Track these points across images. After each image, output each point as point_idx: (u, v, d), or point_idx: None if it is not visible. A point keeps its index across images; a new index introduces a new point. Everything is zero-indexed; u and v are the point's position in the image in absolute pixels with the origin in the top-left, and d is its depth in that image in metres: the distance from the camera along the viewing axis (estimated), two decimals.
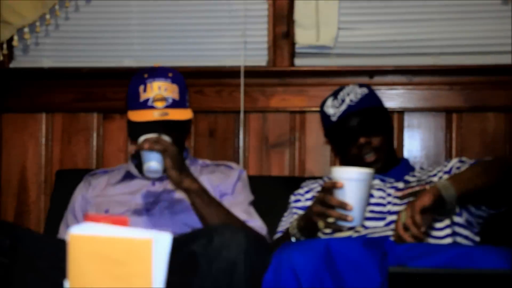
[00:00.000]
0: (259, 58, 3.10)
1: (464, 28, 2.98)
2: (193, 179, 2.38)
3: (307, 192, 2.56)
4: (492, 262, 1.81)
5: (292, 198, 2.59)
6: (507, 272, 1.42)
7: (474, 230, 2.38)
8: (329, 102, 2.52)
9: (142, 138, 2.32)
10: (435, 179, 2.41)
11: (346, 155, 2.51)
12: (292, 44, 3.07)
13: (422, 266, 1.80)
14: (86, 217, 1.38)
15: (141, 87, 2.55)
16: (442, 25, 3.00)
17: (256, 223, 2.50)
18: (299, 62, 3.07)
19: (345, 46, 3.05)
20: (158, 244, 1.31)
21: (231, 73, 3.06)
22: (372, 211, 2.37)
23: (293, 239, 2.23)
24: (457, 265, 1.80)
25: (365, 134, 2.45)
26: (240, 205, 2.52)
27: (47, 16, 3.16)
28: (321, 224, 2.10)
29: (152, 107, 2.51)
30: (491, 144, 2.92)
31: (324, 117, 2.55)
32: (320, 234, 2.32)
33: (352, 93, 2.49)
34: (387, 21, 3.04)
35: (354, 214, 2.02)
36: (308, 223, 2.18)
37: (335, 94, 2.52)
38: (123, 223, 1.37)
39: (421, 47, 3.01)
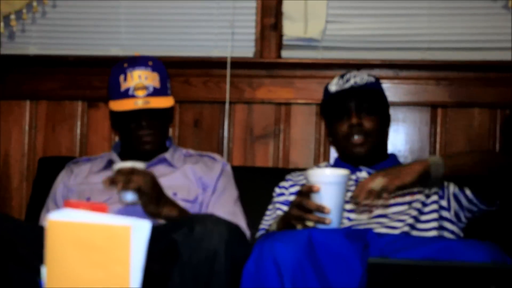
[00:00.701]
0: (247, 49, 3.09)
1: (452, 24, 2.98)
2: (171, 206, 2.34)
3: (291, 186, 2.56)
4: (473, 255, 1.82)
5: (277, 190, 2.58)
6: (485, 265, 1.43)
7: (461, 225, 2.38)
8: (335, 80, 2.53)
9: (115, 168, 2.23)
10: None
11: (336, 134, 2.50)
12: (280, 36, 3.06)
13: (402, 258, 1.81)
14: (66, 203, 1.37)
15: (122, 77, 2.55)
16: (430, 20, 2.99)
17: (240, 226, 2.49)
18: (287, 54, 3.06)
19: (332, 39, 3.04)
20: (137, 231, 1.30)
21: (218, 63, 3.05)
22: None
23: None
24: (438, 258, 1.81)
25: (359, 114, 2.45)
26: (224, 207, 2.51)
27: (34, 4, 3.14)
28: (299, 227, 2.10)
29: (133, 96, 2.52)
30: (476, 140, 2.92)
31: (325, 93, 2.56)
32: None
33: (359, 77, 2.50)
34: (375, 15, 3.04)
35: (332, 217, 2.02)
36: (287, 226, 2.16)
37: (342, 75, 2.53)
38: (102, 209, 1.36)
39: (409, 41, 3.01)
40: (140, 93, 2.52)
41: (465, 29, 2.98)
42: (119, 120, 2.58)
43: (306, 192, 2.05)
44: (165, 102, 2.56)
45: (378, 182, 1.99)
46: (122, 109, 2.53)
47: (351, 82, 2.49)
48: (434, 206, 2.35)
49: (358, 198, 2.01)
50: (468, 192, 2.31)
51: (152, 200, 2.25)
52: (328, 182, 2.02)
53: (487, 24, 2.96)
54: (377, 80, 2.57)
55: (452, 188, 2.34)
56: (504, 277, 1.41)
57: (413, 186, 2.05)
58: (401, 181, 2.01)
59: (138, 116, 2.53)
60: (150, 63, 2.58)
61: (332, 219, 2.02)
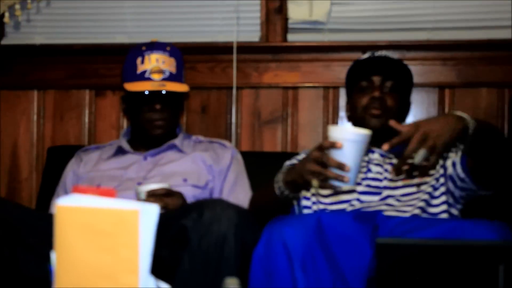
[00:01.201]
0: (252, 33, 3.08)
1: (458, 3, 2.96)
2: None
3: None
4: (483, 235, 1.81)
5: (287, 163, 2.54)
6: (494, 244, 1.42)
7: (458, 206, 2.37)
8: (365, 56, 2.54)
9: (144, 189, 2.26)
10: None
11: (356, 105, 2.47)
12: (285, 19, 3.05)
13: (411, 238, 1.81)
14: (74, 189, 1.38)
15: (139, 59, 2.57)
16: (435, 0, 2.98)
17: None
18: (292, 37, 3.05)
19: (338, 22, 3.03)
20: (145, 216, 1.30)
21: (224, 49, 3.04)
22: (368, 186, 2.36)
23: (277, 191, 2.16)
24: (448, 238, 1.80)
25: (382, 88, 2.43)
26: (237, 199, 2.49)
27: None
28: (315, 183, 2.01)
29: (149, 79, 2.53)
30: (484, 120, 2.90)
31: (353, 65, 2.55)
32: (306, 193, 2.32)
33: (390, 54, 2.52)
34: None
35: (350, 175, 1.94)
36: (298, 179, 2.07)
37: (372, 52, 2.54)
38: (110, 194, 1.36)
39: (415, 22, 3.00)
40: (157, 76, 2.53)
41: (471, 8, 2.96)
42: (132, 103, 2.59)
43: (327, 147, 1.95)
44: (180, 87, 2.57)
45: (420, 156, 1.92)
46: (138, 90, 2.54)
47: (383, 54, 2.50)
48: (443, 189, 2.34)
49: (399, 174, 1.99)
50: (459, 171, 2.29)
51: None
52: (351, 140, 1.93)
53: (492, 3, 2.94)
54: (406, 66, 2.56)
55: (450, 169, 2.34)
56: None
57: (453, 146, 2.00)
58: (443, 141, 1.91)
59: (153, 99, 2.54)
60: (168, 48, 2.61)
61: (350, 178, 1.94)
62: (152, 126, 2.56)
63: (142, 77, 2.54)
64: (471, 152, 2.14)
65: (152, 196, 2.24)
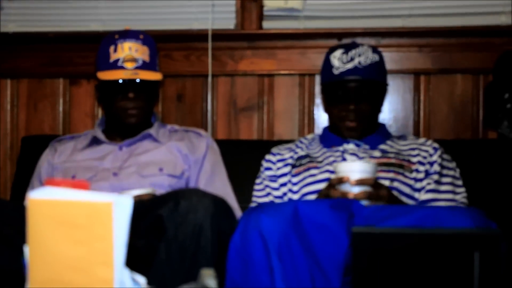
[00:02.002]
0: (227, 21, 3.06)
1: None
2: None
3: (279, 160, 2.55)
4: (458, 222, 1.82)
5: (264, 164, 2.57)
6: (468, 231, 1.43)
7: None
8: (338, 53, 2.49)
9: (131, 195, 2.22)
10: (415, 159, 2.41)
11: (331, 113, 2.50)
12: (261, 7, 3.04)
13: (387, 226, 1.81)
14: (47, 181, 1.36)
15: (112, 48, 2.54)
16: None
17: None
18: (268, 25, 3.04)
19: (314, 9, 3.02)
20: (119, 207, 1.29)
21: (199, 36, 3.03)
22: (344, 161, 2.38)
23: None
24: (424, 225, 1.81)
25: (357, 102, 2.44)
26: (215, 190, 2.49)
27: None
28: None
29: (122, 68, 2.51)
30: (459, 107, 2.93)
31: (327, 65, 2.52)
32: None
33: (364, 56, 2.46)
34: None
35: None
36: None
37: (346, 48, 2.48)
38: (83, 187, 1.35)
39: (390, 9, 2.99)
40: (129, 65, 2.51)
41: None
42: (106, 92, 2.57)
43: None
44: (153, 75, 2.55)
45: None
46: (110, 79, 2.52)
47: (355, 62, 2.45)
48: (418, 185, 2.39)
49: None
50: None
51: None
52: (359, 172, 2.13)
53: None
54: (381, 58, 2.53)
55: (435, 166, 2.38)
56: (488, 242, 1.41)
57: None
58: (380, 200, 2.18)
59: (126, 87, 2.52)
60: (141, 36, 2.58)
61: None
62: (126, 114, 2.54)
63: (115, 65, 2.52)
64: None
65: None
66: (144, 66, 2.54)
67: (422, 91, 2.95)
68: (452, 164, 2.46)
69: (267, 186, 2.53)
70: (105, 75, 2.54)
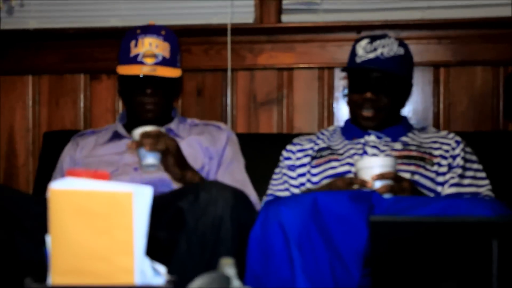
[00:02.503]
0: (246, 15, 3.07)
1: None
2: (194, 171, 2.38)
3: (299, 151, 2.56)
4: (478, 211, 1.83)
5: (284, 154, 2.58)
6: (486, 219, 1.43)
7: None
8: (363, 43, 2.50)
9: (138, 132, 2.24)
10: (436, 152, 2.41)
11: (350, 101, 2.51)
12: (280, 0, 3.04)
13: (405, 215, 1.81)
14: (68, 172, 1.38)
15: (133, 42, 2.56)
16: None
17: (250, 196, 2.50)
18: (286, 18, 3.05)
19: (332, 2, 3.02)
20: (139, 197, 1.31)
21: (218, 30, 3.03)
22: (365, 156, 2.39)
23: None
24: (443, 215, 1.81)
25: (375, 91, 2.44)
26: (232, 176, 2.52)
27: None
28: None
29: (141, 63, 2.53)
30: (479, 98, 2.91)
31: (352, 53, 2.53)
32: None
33: (388, 47, 2.47)
34: None
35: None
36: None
37: (372, 39, 2.49)
38: (104, 177, 1.37)
39: (409, 1, 2.98)
40: (149, 60, 2.53)
41: None
42: (125, 86, 2.59)
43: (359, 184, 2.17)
44: (171, 72, 2.56)
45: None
46: (128, 73, 2.54)
47: (378, 52, 2.45)
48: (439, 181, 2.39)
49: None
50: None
51: (177, 163, 2.29)
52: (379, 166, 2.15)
53: None
54: (406, 52, 2.53)
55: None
56: (506, 230, 1.41)
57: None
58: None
59: (144, 83, 2.54)
60: (163, 32, 2.60)
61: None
62: (143, 109, 2.56)
63: (134, 60, 2.54)
64: None
65: (146, 136, 2.22)
66: (164, 62, 2.55)
67: (441, 83, 2.94)
68: (474, 157, 2.45)
69: (284, 174, 2.54)
70: (124, 70, 2.55)
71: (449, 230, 1.43)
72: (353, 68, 2.49)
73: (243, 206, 2.07)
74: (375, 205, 2.01)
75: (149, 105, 2.55)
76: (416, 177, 2.35)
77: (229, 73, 3.04)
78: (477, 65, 2.92)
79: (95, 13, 3.17)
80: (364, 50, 2.47)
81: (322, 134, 2.61)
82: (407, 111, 2.95)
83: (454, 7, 2.95)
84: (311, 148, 2.54)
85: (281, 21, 3.04)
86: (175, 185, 2.39)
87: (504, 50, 2.84)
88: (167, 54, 2.56)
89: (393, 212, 1.98)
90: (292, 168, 2.53)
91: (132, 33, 2.60)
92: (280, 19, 3.04)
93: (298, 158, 2.53)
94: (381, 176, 2.13)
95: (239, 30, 3.03)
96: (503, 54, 2.84)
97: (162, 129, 2.30)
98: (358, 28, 2.94)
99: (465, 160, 2.41)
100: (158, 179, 2.46)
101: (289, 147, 2.59)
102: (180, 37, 2.74)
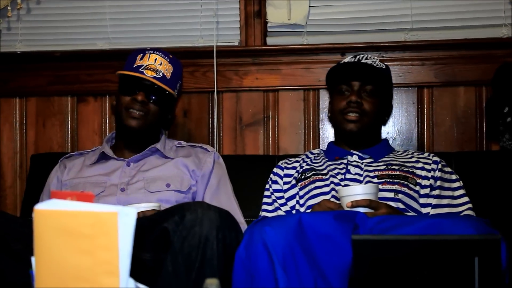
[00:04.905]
0: (232, 37, 3.10)
1: (435, 3, 2.99)
2: None
3: (286, 175, 2.58)
4: (460, 230, 1.84)
5: (272, 177, 2.60)
6: (467, 237, 1.45)
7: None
8: (347, 58, 2.59)
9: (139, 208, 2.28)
10: (419, 172, 2.44)
11: (334, 108, 2.55)
12: (264, 23, 3.08)
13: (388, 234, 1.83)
14: (52, 194, 1.38)
15: (139, 55, 2.61)
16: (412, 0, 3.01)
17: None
18: (272, 41, 3.08)
19: (316, 24, 3.05)
20: (124, 218, 1.31)
21: (204, 53, 3.06)
22: (347, 186, 2.39)
23: None
24: (426, 234, 1.82)
25: (360, 93, 2.49)
26: (220, 204, 2.51)
27: (18, 1, 3.14)
28: None
29: (141, 73, 2.55)
30: (462, 118, 2.94)
31: (334, 67, 2.60)
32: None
33: (371, 60, 2.55)
34: None
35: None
36: None
37: (356, 55, 2.58)
38: (88, 198, 1.37)
39: (393, 23, 3.02)
40: (149, 73, 2.56)
41: (447, 8, 2.99)
42: (120, 90, 2.61)
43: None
44: (166, 87, 2.58)
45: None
46: (126, 73, 2.57)
47: (363, 60, 2.54)
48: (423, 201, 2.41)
49: None
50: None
51: None
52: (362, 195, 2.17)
53: (468, 3, 2.98)
54: (388, 68, 2.61)
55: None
56: (488, 247, 1.43)
57: None
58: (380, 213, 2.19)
59: (137, 86, 2.56)
60: (171, 56, 2.64)
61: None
62: (129, 114, 2.57)
63: (136, 69, 2.57)
64: None
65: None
66: (163, 79, 2.58)
67: (425, 104, 2.97)
68: (454, 176, 2.47)
69: (275, 200, 2.55)
70: (124, 73, 2.59)
71: (431, 249, 1.45)
72: (337, 72, 2.55)
73: (228, 226, 2.07)
74: (359, 225, 2.03)
75: (136, 112, 2.56)
76: (400, 196, 2.36)
77: (215, 94, 3.06)
78: (460, 86, 2.96)
79: (82, 36, 3.20)
80: (347, 59, 2.57)
81: (307, 156, 2.63)
82: (392, 132, 2.98)
83: (436, 29, 2.99)
84: (297, 171, 2.57)
85: (266, 43, 3.07)
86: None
87: (486, 71, 2.87)
88: (168, 74, 2.60)
89: (377, 232, 2.00)
90: (280, 192, 2.55)
91: (141, 50, 2.65)
92: (265, 41, 3.08)
93: (285, 183, 2.56)
94: (355, 204, 2.15)
95: (224, 52, 3.06)
96: (485, 75, 2.87)
97: (158, 206, 2.33)
98: (342, 50, 2.97)
99: (443, 180, 2.44)
100: (144, 198, 2.47)
101: (276, 170, 2.61)
102: None
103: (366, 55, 2.57)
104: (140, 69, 2.56)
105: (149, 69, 2.56)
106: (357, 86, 2.50)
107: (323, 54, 3.00)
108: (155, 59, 2.59)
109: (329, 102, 2.64)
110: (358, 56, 2.56)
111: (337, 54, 2.98)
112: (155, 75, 2.56)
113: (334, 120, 2.57)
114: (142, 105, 2.56)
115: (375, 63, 2.54)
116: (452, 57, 2.96)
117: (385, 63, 2.62)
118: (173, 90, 2.62)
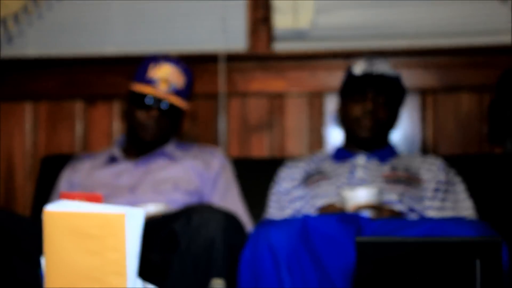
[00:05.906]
0: (239, 43, 3.14)
1: (439, 10, 3.02)
2: None
3: (291, 176, 2.61)
4: (462, 232, 1.87)
5: (278, 178, 2.64)
6: (469, 239, 1.46)
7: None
8: (361, 61, 2.59)
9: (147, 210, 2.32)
10: (424, 176, 2.47)
11: (348, 115, 2.57)
12: (271, 28, 3.11)
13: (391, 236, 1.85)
14: (61, 195, 1.42)
15: (152, 64, 2.64)
16: (417, 5, 3.04)
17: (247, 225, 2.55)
18: (278, 46, 3.11)
19: (322, 30, 3.08)
20: (131, 219, 1.34)
21: (211, 58, 3.09)
22: (352, 188, 2.42)
23: None
24: (429, 236, 1.85)
25: (376, 101, 2.52)
26: (228, 204, 2.58)
27: (29, 6, 3.19)
28: None
29: (155, 87, 2.60)
30: (466, 124, 2.97)
31: (348, 73, 2.62)
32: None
33: (386, 65, 2.57)
34: (364, 4, 3.07)
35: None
36: None
37: (368, 59, 2.59)
38: (97, 199, 1.41)
39: (397, 29, 3.05)
40: (163, 87, 2.59)
41: (451, 14, 3.02)
42: (133, 103, 2.65)
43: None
44: (180, 102, 2.63)
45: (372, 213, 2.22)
46: (141, 91, 2.60)
47: (377, 66, 2.55)
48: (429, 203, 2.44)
49: None
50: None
51: None
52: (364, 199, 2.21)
53: (471, 10, 3.01)
54: (400, 77, 2.63)
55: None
56: (489, 250, 1.44)
57: None
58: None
59: (151, 105, 2.60)
60: (184, 65, 2.69)
61: None
62: (143, 129, 2.62)
63: (149, 82, 2.61)
64: None
65: None
66: (176, 91, 2.62)
67: (429, 109, 3.01)
68: (457, 179, 2.50)
69: (280, 201, 2.58)
70: (137, 87, 2.62)
71: (433, 250, 1.45)
72: (355, 78, 2.56)
73: (234, 228, 2.11)
74: (363, 227, 2.06)
75: (150, 128, 2.61)
76: (405, 199, 2.39)
77: (222, 99, 3.10)
78: (463, 91, 2.98)
79: (91, 40, 3.23)
80: (362, 67, 2.57)
81: (313, 158, 2.65)
82: (396, 136, 3.00)
83: (440, 36, 3.02)
84: (303, 172, 2.59)
85: (273, 49, 3.11)
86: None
87: (488, 76, 2.89)
88: (181, 85, 2.63)
89: (381, 234, 2.02)
90: (285, 192, 2.58)
91: (153, 57, 2.68)
92: (271, 46, 3.11)
93: (291, 184, 2.59)
94: (357, 208, 2.18)
95: (231, 57, 3.09)
96: (488, 80, 2.89)
97: (165, 208, 2.36)
98: (347, 56, 3.00)
99: (447, 183, 2.46)
100: (152, 199, 2.51)
101: (282, 171, 2.64)
102: None
103: (379, 60, 2.58)
104: (153, 82, 2.60)
105: (163, 82, 2.60)
106: (373, 94, 2.52)
107: (328, 60, 3.03)
108: (168, 70, 2.63)
109: (340, 109, 2.65)
110: (372, 61, 2.56)
111: (342, 59, 3.01)
112: (168, 88, 2.60)
113: (346, 126, 2.59)
114: (156, 121, 2.61)
115: (386, 73, 2.55)
116: (455, 63, 2.98)
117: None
118: (186, 101, 2.66)
